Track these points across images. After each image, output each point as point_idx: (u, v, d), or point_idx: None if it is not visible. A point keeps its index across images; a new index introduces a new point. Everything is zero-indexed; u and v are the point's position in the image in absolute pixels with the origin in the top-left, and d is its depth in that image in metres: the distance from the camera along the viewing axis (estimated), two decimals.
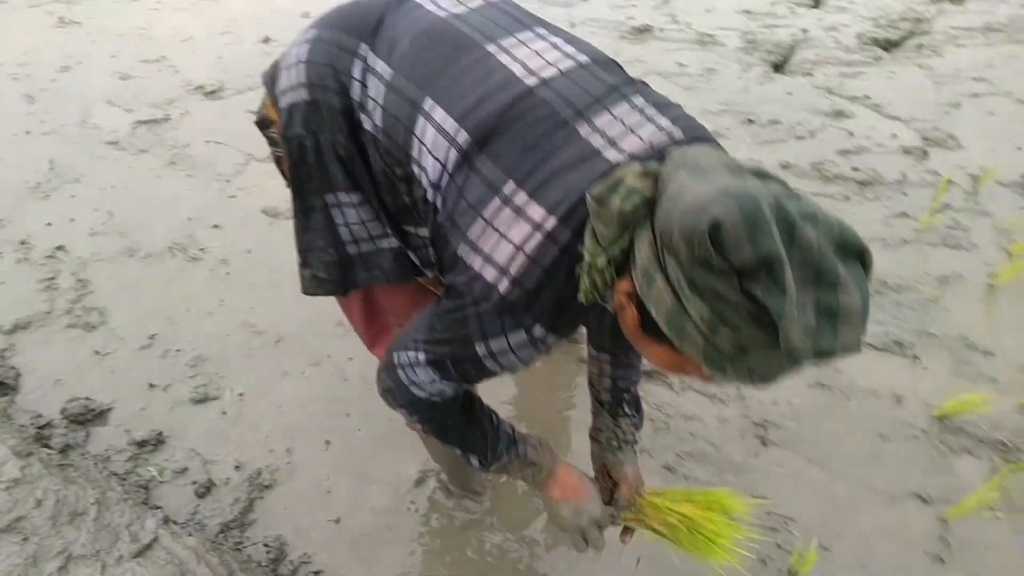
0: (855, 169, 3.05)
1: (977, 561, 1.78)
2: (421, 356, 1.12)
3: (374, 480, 1.91)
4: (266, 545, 1.74)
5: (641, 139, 1.00)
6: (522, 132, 1.00)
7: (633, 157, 0.97)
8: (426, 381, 1.15)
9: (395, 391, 1.20)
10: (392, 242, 1.29)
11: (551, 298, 0.97)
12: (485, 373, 1.11)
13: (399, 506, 1.86)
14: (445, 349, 1.09)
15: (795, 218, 0.76)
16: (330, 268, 1.30)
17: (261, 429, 2.02)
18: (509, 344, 1.02)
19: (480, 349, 1.04)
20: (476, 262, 1.00)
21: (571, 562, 1.74)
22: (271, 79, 1.28)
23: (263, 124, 1.36)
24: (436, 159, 1.07)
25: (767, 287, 0.72)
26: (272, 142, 1.35)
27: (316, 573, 1.71)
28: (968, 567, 1.76)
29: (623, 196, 0.84)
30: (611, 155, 0.97)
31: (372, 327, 1.52)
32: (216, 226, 2.71)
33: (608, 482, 1.46)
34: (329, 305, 2.35)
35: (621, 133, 1.00)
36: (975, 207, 2.88)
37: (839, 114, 3.41)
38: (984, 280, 2.56)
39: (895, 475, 1.97)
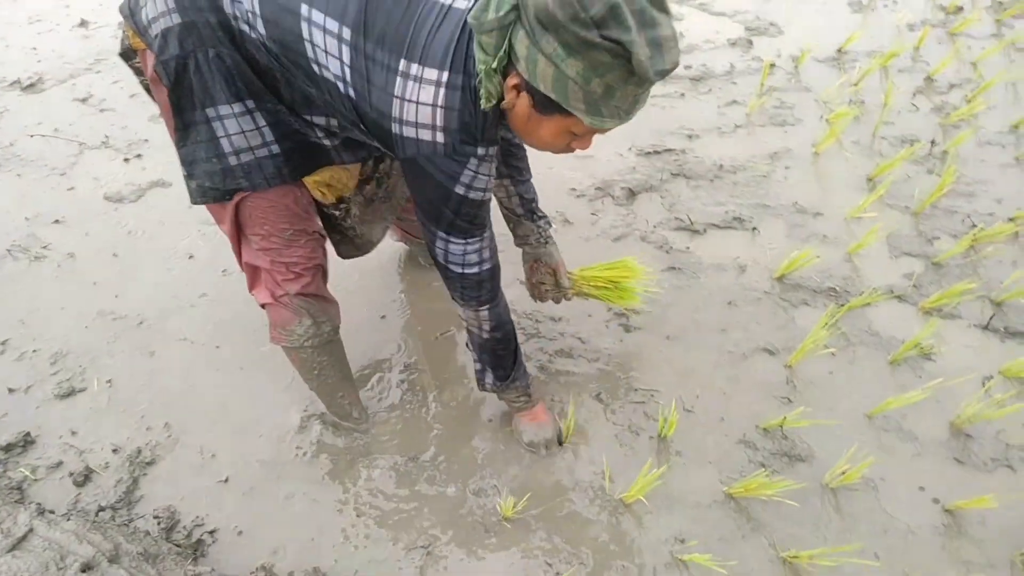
0: (688, 67, 3.20)
1: (819, 394, 1.99)
2: (441, 234, 1.40)
3: (257, 435, 1.93)
4: (156, 516, 1.74)
5: None
6: (389, 12, 1.22)
7: None
8: (460, 252, 1.43)
9: (456, 282, 1.50)
10: (273, 149, 1.42)
11: (472, 125, 1.24)
12: (478, 206, 1.36)
13: (286, 454, 1.89)
14: (446, 211, 1.35)
15: None
16: (214, 177, 1.42)
17: (135, 410, 1.99)
18: (472, 170, 1.29)
19: (459, 189, 1.31)
20: (411, 132, 1.24)
21: (464, 472, 1.84)
22: (130, 10, 1.33)
23: (127, 56, 1.45)
24: (334, 56, 1.25)
25: (617, 27, 1.01)
26: (138, 72, 1.44)
27: (211, 532, 1.73)
28: (811, 401, 1.96)
29: (495, 8, 1.09)
30: (460, 4, 1.21)
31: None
32: (57, 221, 2.58)
33: (547, 270, 1.92)
34: (189, 278, 2.35)
35: None
36: (797, 85, 3.09)
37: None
38: (809, 150, 2.77)
39: (744, 336, 2.15)
